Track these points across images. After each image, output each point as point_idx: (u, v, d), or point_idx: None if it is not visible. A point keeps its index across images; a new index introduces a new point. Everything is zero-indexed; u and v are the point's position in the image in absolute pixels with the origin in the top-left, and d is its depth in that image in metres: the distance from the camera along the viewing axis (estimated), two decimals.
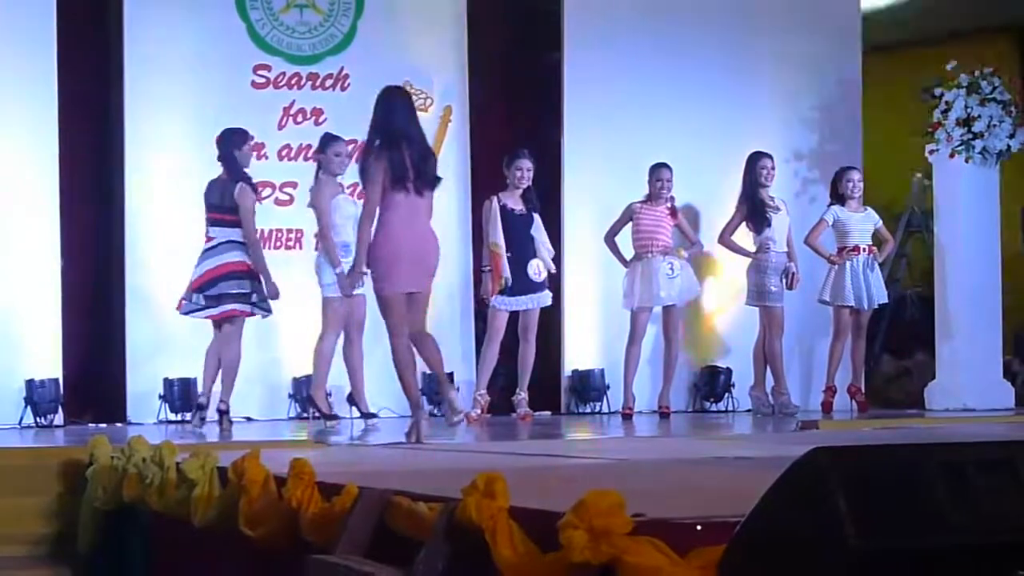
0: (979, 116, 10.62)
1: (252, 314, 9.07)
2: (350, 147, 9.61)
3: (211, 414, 9.03)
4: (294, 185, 10.78)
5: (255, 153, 10.51)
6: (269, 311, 9.09)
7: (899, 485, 2.42)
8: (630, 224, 10.60)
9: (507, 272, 9.80)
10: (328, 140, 9.50)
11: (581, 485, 3.09)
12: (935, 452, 2.54)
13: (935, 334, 11.02)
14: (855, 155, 11.55)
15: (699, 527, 2.78)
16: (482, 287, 9.95)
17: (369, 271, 7.65)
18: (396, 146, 7.49)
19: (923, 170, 11.53)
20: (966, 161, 10.68)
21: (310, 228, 10.09)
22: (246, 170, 9.10)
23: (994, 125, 10.62)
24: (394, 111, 7.61)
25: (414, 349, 7.66)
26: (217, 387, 9.33)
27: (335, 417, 9.32)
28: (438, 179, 7.73)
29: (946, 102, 10.72)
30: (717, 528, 2.73)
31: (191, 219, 9.45)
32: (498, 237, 9.80)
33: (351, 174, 9.25)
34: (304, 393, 10.56)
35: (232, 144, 9.09)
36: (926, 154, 10.98)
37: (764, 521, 2.53)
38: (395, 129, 7.54)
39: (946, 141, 10.73)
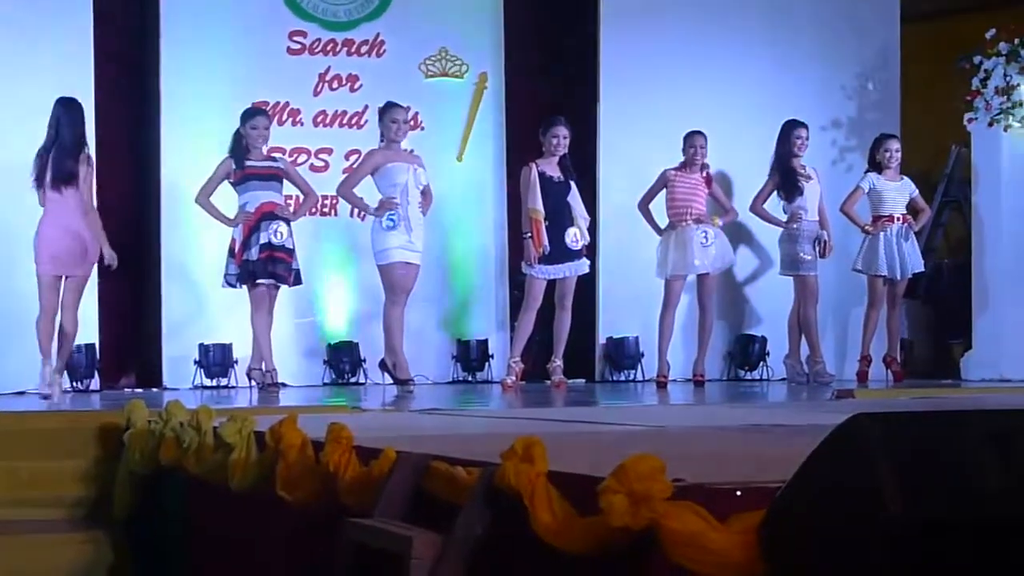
0: (1018, 84, 10.57)
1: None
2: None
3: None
4: (329, 151, 10.81)
5: (291, 119, 10.65)
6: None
7: (942, 452, 2.41)
8: (664, 192, 10.57)
9: (546, 239, 9.78)
10: (386, 107, 9.55)
11: (618, 451, 3.08)
12: (979, 420, 2.52)
13: (971, 304, 10.98)
14: (893, 123, 11.49)
15: (739, 492, 2.76)
16: (524, 254, 9.91)
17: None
18: (47, 149, 8.56)
19: (961, 139, 11.45)
20: (1005, 130, 10.63)
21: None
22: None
23: None
24: (57, 119, 8.61)
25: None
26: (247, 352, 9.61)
27: (410, 382, 9.34)
28: (70, 176, 8.50)
29: (985, 70, 10.66)
30: (757, 494, 2.72)
31: (226, 185, 9.49)
32: (537, 204, 9.76)
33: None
34: (340, 360, 10.63)
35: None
36: (965, 123, 10.91)
37: (805, 487, 2.52)
38: (53, 134, 8.59)
39: (985, 110, 10.67)
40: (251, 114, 9.58)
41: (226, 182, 9.47)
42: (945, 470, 2.36)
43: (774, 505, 2.56)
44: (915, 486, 2.31)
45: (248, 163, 9.40)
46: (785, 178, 10.62)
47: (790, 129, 10.66)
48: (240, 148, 9.42)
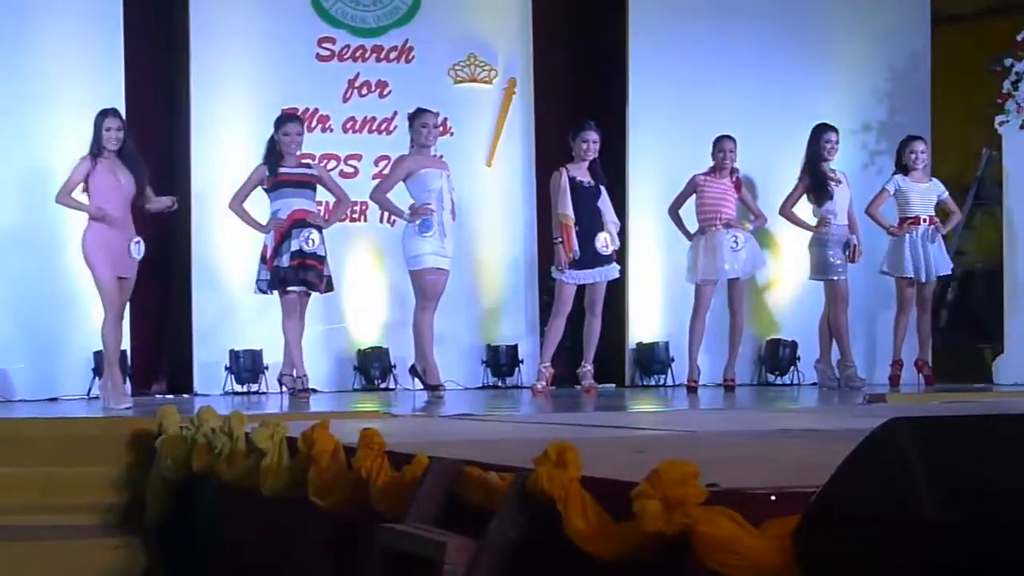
0: None
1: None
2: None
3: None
4: (359, 158, 10.84)
5: (320, 126, 10.67)
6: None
7: (978, 457, 2.39)
8: (694, 197, 10.56)
9: (576, 244, 9.76)
10: (416, 112, 9.55)
11: (651, 456, 3.08)
12: (1014, 424, 2.51)
13: (1003, 308, 10.93)
14: (923, 126, 11.45)
15: (773, 498, 2.75)
16: (554, 259, 9.90)
17: None
18: None
19: (993, 142, 11.41)
20: None
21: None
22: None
23: None
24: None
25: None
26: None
27: (440, 387, 9.33)
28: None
29: (1016, 73, 10.63)
30: (791, 499, 2.71)
31: (257, 192, 9.51)
32: (567, 209, 9.75)
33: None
34: (370, 365, 10.63)
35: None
36: (996, 126, 10.87)
37: (840, 492, 2.50)
38: None
39: (1016, 112, 10.63)
40: (284, 120, 9.60)
41: (259, 188, 9.49)
42: (981, 474, 2.35)
43: (809, 510, 2.55)
44: (951, 491, 2.30)
45: (282, 170, 9.41)
46: (815, 182, 10.59)
47: (820, 133, 10.62)
48: (274, 155, 9.43)
